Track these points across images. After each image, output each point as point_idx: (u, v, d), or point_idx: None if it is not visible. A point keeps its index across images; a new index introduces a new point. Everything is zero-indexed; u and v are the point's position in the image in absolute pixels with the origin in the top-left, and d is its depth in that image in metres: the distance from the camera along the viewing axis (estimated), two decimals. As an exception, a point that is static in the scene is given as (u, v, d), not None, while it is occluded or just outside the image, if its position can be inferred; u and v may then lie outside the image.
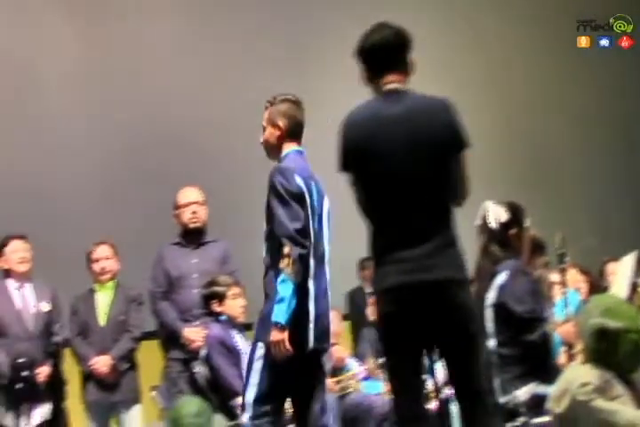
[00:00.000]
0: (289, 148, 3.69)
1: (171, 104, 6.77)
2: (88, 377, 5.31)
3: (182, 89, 6.81)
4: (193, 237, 5.23)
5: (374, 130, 3.04)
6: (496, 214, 3.88)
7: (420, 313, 2.97)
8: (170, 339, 5.19)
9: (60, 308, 5.38)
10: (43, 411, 5.05)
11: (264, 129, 3.73)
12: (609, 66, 7.48)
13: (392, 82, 3.10)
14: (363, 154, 3.04)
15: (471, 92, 7.14)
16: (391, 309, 3.00)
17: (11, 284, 5.25)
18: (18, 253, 5.24)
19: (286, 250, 3.45)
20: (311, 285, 3.55)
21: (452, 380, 3.06)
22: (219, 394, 4.67)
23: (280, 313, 3.42)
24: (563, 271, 4.29)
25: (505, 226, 3.88)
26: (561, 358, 4.12)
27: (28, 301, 5.24)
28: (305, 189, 3.56)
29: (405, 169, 3.01)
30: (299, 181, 3.55)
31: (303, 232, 3.49)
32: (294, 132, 3.71)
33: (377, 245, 3.06)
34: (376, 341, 6.18)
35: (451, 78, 7.21)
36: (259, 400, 3.47)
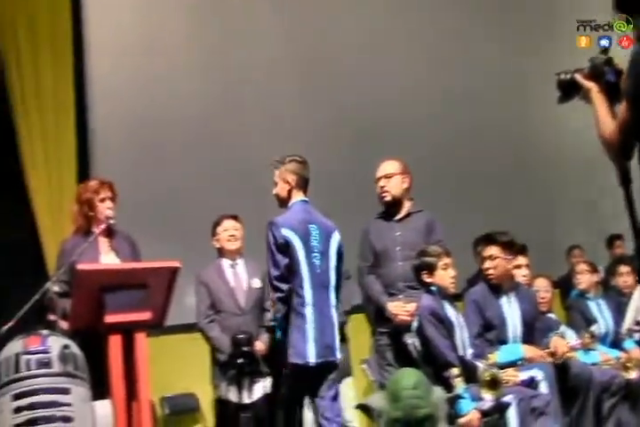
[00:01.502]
0: (296, 198, 4.57)
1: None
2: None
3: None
4: (393, 209, 5.15)
5: None
6: None
7: None
8: (377, 312, 5.19)
9: (271, 284, 5.52)
10: (263, 385, 5.19)
11: (275, 184, 4.59)
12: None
13: None
14: None
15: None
16: None
17: (224, 262, 5.44)
18: (228, 231, 5.42)
19: (271, 294, 4.66)
20: (309, 311, 4.35)
21: None
22: (432, 365, 4.65)
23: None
24: None
25: None
26: None
27: (240, 278, 5.40)
28: (292, 237, 4.38)
29: None
30: (285, 232, 4.38)
31: (281, 277, 4.37)
32: (301, 185, 4.58)
33: None
34: (586, 311, 6.05)
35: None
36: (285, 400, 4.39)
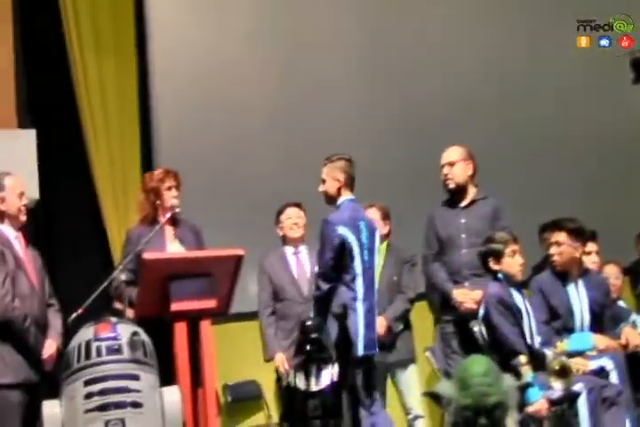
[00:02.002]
0: (345, 196, 4.63)
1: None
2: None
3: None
4: (458, 196, 5.09)
5: None
6: None
7: None
8: (442, 300, 5.13)
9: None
10: (331, 372, 5.17)
11: (323, 181, 4.64)
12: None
13: None
14: None
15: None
16: None
17: (288, 250, 5.45)
18: (291, 219, 5.43)
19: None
20: (360, 305, 4.50)
21: None
22: (498, 353, 4.58)
23: None
24: None
25: None
26: None
27: (303, 265, 5.40)
28: (348, 234, 4.47)
29: None
30: (340, 230, 4.46)
31: (324, 276, 4.50)
32: (349, 184, 4.63)
33: None
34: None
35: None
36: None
